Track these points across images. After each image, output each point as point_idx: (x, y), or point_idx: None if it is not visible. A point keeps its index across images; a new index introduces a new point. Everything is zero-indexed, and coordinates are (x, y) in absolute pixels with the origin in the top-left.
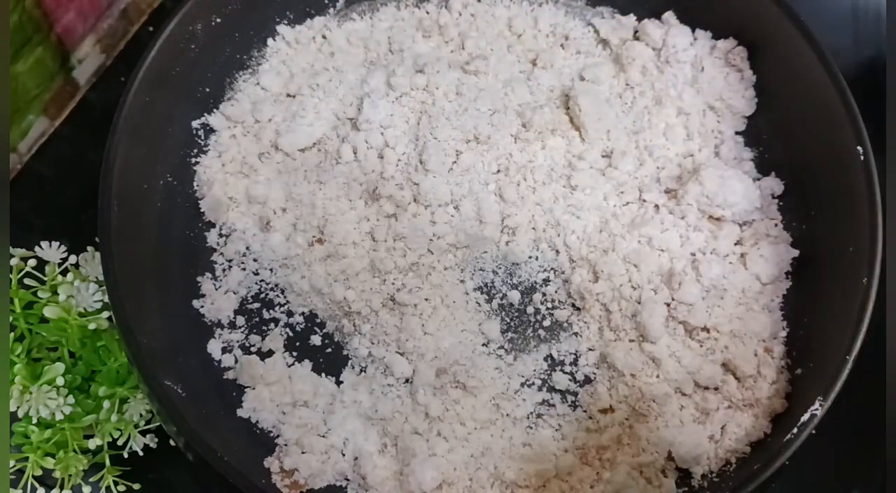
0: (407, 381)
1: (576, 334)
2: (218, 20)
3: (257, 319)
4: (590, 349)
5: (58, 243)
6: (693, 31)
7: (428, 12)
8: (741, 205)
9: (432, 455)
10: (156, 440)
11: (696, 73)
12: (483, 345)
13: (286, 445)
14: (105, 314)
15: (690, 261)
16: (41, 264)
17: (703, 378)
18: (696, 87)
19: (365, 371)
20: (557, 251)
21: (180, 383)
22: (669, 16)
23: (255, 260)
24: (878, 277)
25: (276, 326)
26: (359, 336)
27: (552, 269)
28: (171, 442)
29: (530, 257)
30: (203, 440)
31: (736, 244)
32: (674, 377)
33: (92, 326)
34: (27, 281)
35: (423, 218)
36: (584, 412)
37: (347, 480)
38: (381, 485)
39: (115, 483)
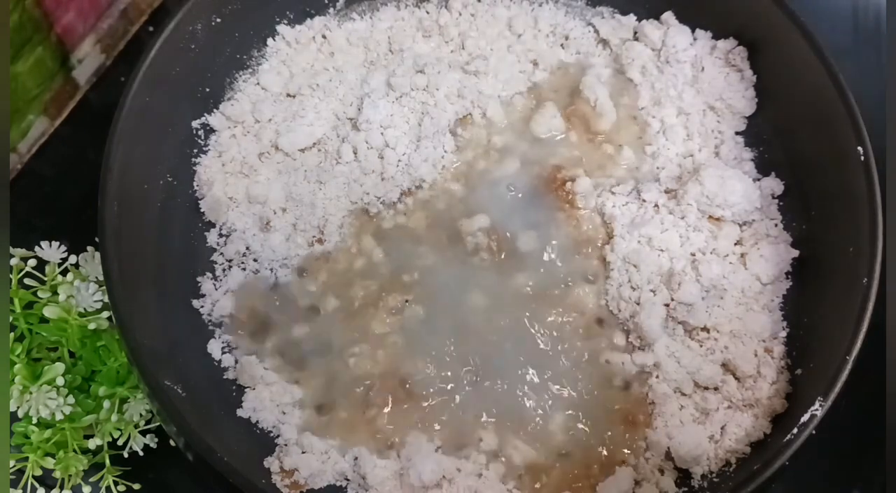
0: None
1: None
2: (218, 20)
3: None
4: None
5: (58, 243)
6: (693, 31)
7: (428, 12)
8: (741, 205)
9: (433, 450)
10: (156, 440)
11: (696, 73)
12: None
13: (286, 445)
14: (105, 314)
15: (690, 261)
16: (41, 264)
17: (703, 378)
18: (696, 87)
19: None
20: None
21: (180, 383)
22: (668, 16)
23: (255, 260)
24: (878, 277)
25: None
26: None
27: None
28: (171, 442)
29: None
30: (203, 440)
31: (736, 244)
32: (674, 377)
33: (92, 326)
34: (27, 281)
35: None
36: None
37: (347, 480)
38: (381, 485)
39: (115, 483)
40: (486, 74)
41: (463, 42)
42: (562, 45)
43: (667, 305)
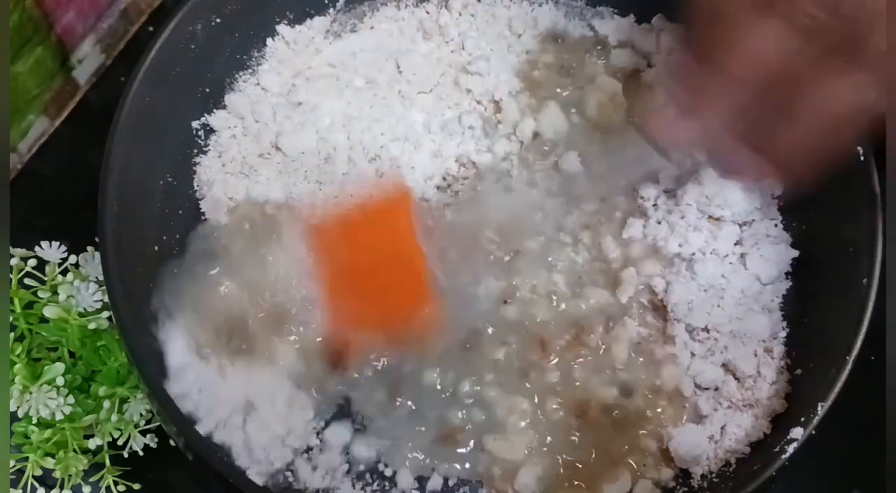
0: None
1: None
2: (218, 20)
3: None
4: None
5: (58, 243)
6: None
7: (428, 12)
8: (741, 205)
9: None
10: (156, 439)
11: None
12: None
13: None
14: (105, 314)
15: (689, 261)
16: (41, 263)
17: (703, 379)
18: None
19: None
20: None
21: None
22: (659, 19)
23: None
24: (878, 277)
25: None
26: None
27: None
28: (171, 442)
29: None
30: (203, 440)
31: (736, 244)
32: None
33: (92, 326)
34: (27, 281)
35: None
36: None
37: None
38: None
39: (115, 483)
40: (488, 75)
41: (463, 42)
42: (562, 45)
43: (666, 305)
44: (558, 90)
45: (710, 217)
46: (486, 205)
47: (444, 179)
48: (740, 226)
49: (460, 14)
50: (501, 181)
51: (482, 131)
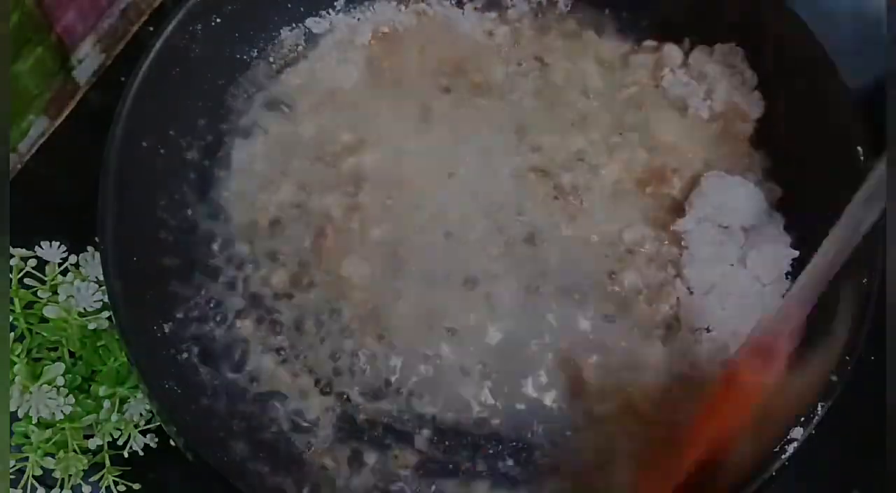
0: None
1: None
2: (218, 20)
3: None
4: None
5: (58, 243)
6: (688, 35)
7: None
8: (747, 210)
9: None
10: (156, 439)
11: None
12: None
13: None
14: (105, 314)
15: (690, 262)
16: (41, 263)
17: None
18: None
19: None
20: None
21: (180, 383)
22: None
23: None
24: (878, 277)
25: None
26: None
27: None
28: (171, 442)
29: None
30: (203, 440)
31: None
32: None
33: (92, 326)
34: (27, 281)
35: None
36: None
37: None
38: None
39: (115, 483)
40: None
41: None
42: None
43: (669, 305)
44: None
45: (719, 226)
46: None
47: None
48: (744, 230)
49: None
50: None
51: None
